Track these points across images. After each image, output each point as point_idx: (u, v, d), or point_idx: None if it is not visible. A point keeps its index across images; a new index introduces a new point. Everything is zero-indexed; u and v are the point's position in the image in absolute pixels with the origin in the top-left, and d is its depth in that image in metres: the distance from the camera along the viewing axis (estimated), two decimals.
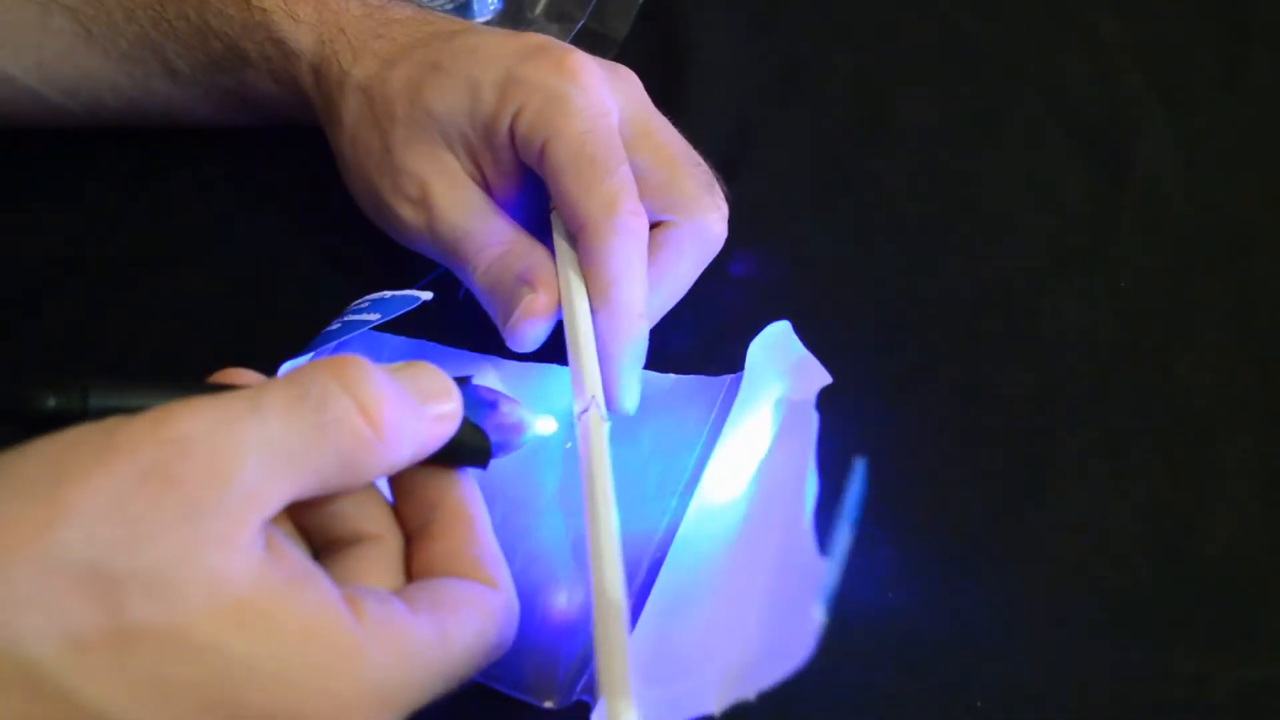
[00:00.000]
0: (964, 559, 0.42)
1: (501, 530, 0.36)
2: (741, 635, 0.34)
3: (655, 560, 0.40)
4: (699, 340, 0.47)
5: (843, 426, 0.38)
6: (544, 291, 0.42)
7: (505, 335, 0.43)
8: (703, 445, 0.43)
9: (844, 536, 0.31)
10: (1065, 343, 0.48)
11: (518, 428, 0.38)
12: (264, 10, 0.48)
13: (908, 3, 0.61)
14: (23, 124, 0.53)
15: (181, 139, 0.54)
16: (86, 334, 0.48)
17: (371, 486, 0.35)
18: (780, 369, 0.42)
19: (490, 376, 0.45)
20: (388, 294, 0.42)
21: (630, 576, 0.39)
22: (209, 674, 0.28)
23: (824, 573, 0.30)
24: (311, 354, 0.39)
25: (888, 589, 0.41)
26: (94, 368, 0.47)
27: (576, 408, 0.41)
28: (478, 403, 0.37)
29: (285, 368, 0.38)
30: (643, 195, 0.43)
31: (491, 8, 0.59)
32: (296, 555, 0.31)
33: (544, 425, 0.40)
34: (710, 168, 0.48)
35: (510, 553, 0.37)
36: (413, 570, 0.35)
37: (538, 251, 0.44)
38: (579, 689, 0.38)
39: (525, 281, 0.43)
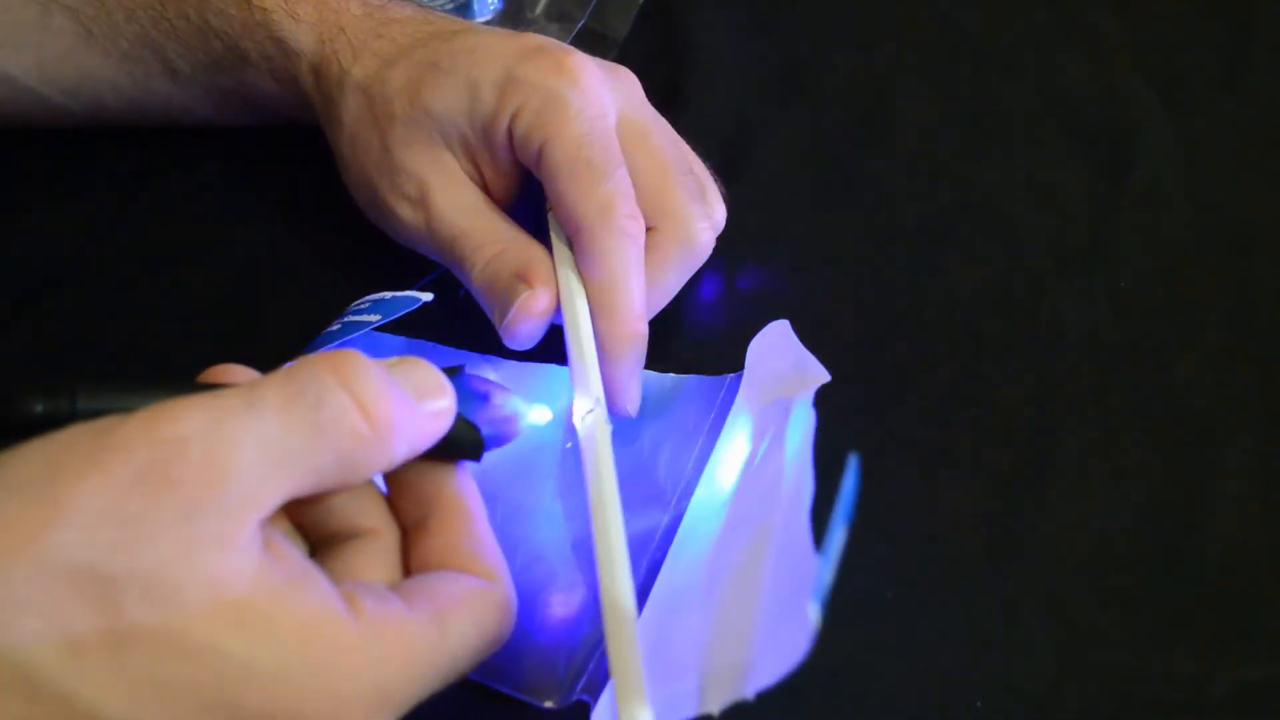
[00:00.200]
0: (964, 559, 0.42)
1: (501, 531, 0.36)
2: (739, 635, 0.34)
3: (655, 560, 0.40)
4: (698, 340, 0.47)
5: (841, 425, 0.38)
6: (541, 289, 0.42)
7: (502, 333, 0.43)
8: (702, 445, 0.43)
9: (838, 533, 0.31)
10: (1065, 343, 0.48)
11: (511, 419, 0.38)
12: (264, 10, 0.48)
13: (908, 3, 0.61)
14: (23, 124, 0.53)
15: (181, 139, 0.54)
16: (86, 334, 0.48)
17: (368, 482, 0.35)
18: (779, 368, 0.42)
19: (489, 376, 0.45)
20: (388, 295, 0.42)
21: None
22: (207, 674, 0.28)
23: (819, 570, 0.30)
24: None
25: (887, 588, 0.41)
26: (92, 369, 0.47)
27: (579, 408, 0.41)
28: (471, 394, 0.37)
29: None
30: None
31: (492, 7, 0.59)
32: (294, 554, 0.31)
33: (537, 415, 0.40)
34: (710, 168, 0.48)
35: (510, 553, 0.37)
36: (410, 565, 0.35)
37: (535, 249, 0.44)
38: (579, 689, 0.38)
39: (522, 279, 0.43)
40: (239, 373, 0.34)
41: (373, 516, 0.35)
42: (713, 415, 0.44)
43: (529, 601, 0.39)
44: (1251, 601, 0.41)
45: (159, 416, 0.29)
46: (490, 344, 0.46)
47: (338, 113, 0.47)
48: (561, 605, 0.40)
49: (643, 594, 0.39)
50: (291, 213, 0.52)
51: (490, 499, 0.37)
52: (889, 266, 0.50)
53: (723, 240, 0.48)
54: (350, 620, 0.30)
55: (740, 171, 0.52)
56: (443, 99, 0.44)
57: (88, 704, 0.28)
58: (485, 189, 0.46)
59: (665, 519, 0.41)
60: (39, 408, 0.30)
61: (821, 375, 0.40)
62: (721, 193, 0.48)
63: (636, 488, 0.42)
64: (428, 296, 0.41)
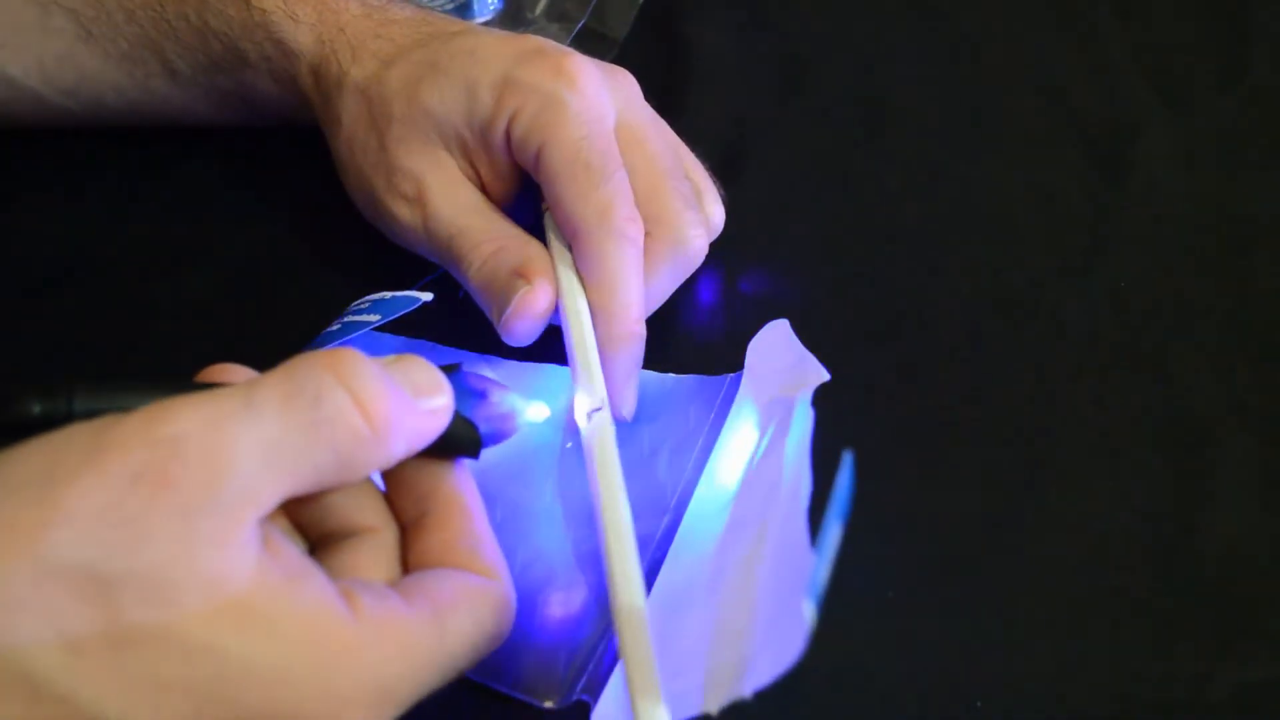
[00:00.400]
0: (964, 558, 0.42)
1: (501, 531, 0.36)
2: (737, 634, 0.34)
3: (655, 560, 0.40)
4: (698, 340, 0.47)
5: (840, 425, 0.38)
6: (540, 286, 0.42)
7: (500, 330, 0.43)
8: (702, 444, 0.43)
9: (833, 531, 0.31)
10: (1065, 343, 0.48)
11: (509, 416, 0.38)
12: (263, 11, 0.48)
13: (908, 3, 0.61)
14: (23, 124, 0.53)
15: (181, 139, 0.54)
16: (86, 334, 0.48)
17: (366, 479, 0.35)
18: (779, 367, 0.42)
19: (489, 376, 0.45)
20: (388, 295, 0.42)
21: None
22: (207, 674, 0.28)
23: (814, 569, 0.30)
24: None
25: (887, 588, 0.41)
26: (92, 369, 0.47)
27: (582, 406, 0.41)
28: (468, 392, 0.37)
29: None
30: None
31: (491, 8, 0.59)
32: (293, 552, 0.31)
33: (535, 412, 0.40)
34: (709, 169, 0.48)
35: (510, 553, 0.37)
36: (409, 562, 0.35)
37: (533, 247, 0.44)
38: (579, 689, 0.38)
39: (520, 276, 0.43)
40: (237, 372, 0.34)
41: (371, 514, 0.35)
42: (713, 415, 0.44)
43: (529, 601, 0.39)
44: (1251, 601, 0.41)
45: (156, 416, 0.29)
46: (489, 344, 0.46)
47: (336, 113, 0.47)
48: (561, 605, 0.40)
49: None
50: (291, 213, 0.52)
51: (490, 499, 0.37)
52: (889, 266, 0.50)
53: (722, 240, 0.48)
54: (349, 618, 0.30)
55: (740, 171, 0.52)
56: (441, 99, 0.44)
57: (87, 704, 0.28)
58: (483, 189, 0.46)
59: (665, 519, 0.41)
60: (36, 408, 0.30)
61: (821, 375, 0.40)
62: (721, 195, 0.48)
63: (636, 488, 0.42)
64: (428, 296, 0.41)
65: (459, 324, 0.46)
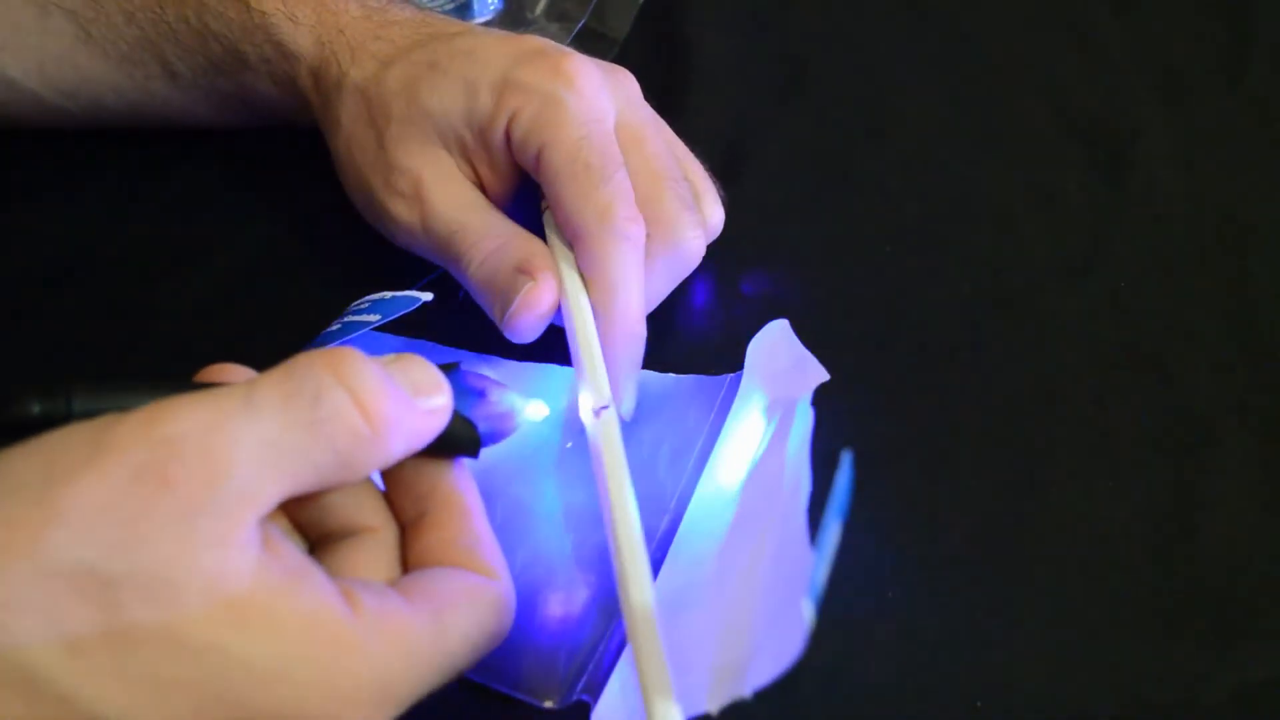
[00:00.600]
0: (964, 558, 0.42)
1: (501, 531, 0.36)
2: (737, 633, 0.35)
3: (655, 559, 0.40)
4: (698, 340, 0.47)
5: (840, 425, 0.38)
6: (543, 281, 0.42)
7: (504, 327, 0.43)
8: (703, 445, 0.43)
9: (832, 531, 0.31)
10: (1065, 343, 0.48)
11: (508, 415, 0.38)
12: (263, 13, 0.48)
13: (908, 3, 0.61)
14: (23, 125, 0.53)
15: (181, 140, 0.54)
16: (86, 334, 0.48)
17: (365, 479, 0.35)
18: (779, 367, 0.42)
19: (488, 376, 0.45)
20: (388, 295, 0.42)
21: None
22: (207, 674, 0.28)
23: (813, 568, 0.30)
24: None
25: (887, 588, 0.41)
26: (92, 369, 0.47)
27: (587, 404, 0.41)
28: (467, 391, 0.37)
29: None
30: None
31: (491, 8, 0.59)
32: (292, 551, 0.31)
33: (534, 411, 0.40)
34: (709, 169, 0.48)
35: (510, 553, 0.37)
36: (409, 561, 0.35)
37: (535, 243, 0.44)
38: (579, 689, 0.38)
39: (524, 272, 0.43)
40: (236, 372, 0.34)
41: (371, 514, 0.35)
42: (713, 415, 0.44)
43: (529, 601, 0.39)
44: (1251, 601, 0.41)
45: (156, 415, 0.29)
46: (489, 344, 0.46)
47: (335, 114, 0.47)
48: (561, 605, 0.40)
49: None
50: (291, 213, 0.52)
51: (490, 499, 0.37)
52: (889, 266, 0.50)
53: (722, 240, 0.48)
54: (349, 617, 0.30)
55: (740, 172, 0.52)
56: (440, 99, 0.44)
57: (88, 704, 0.28)
58: (481, 189, 0.46)
59: (665, 519, 0.41)
60: (36, 409, 0.30)
61: (821, 375, 0.40)
62: (720, 195, 0.48)
63: (636, 488, 0.42)
64: (428, 296, 0.41)
65: (459, 324, 0.46)
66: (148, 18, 0.50)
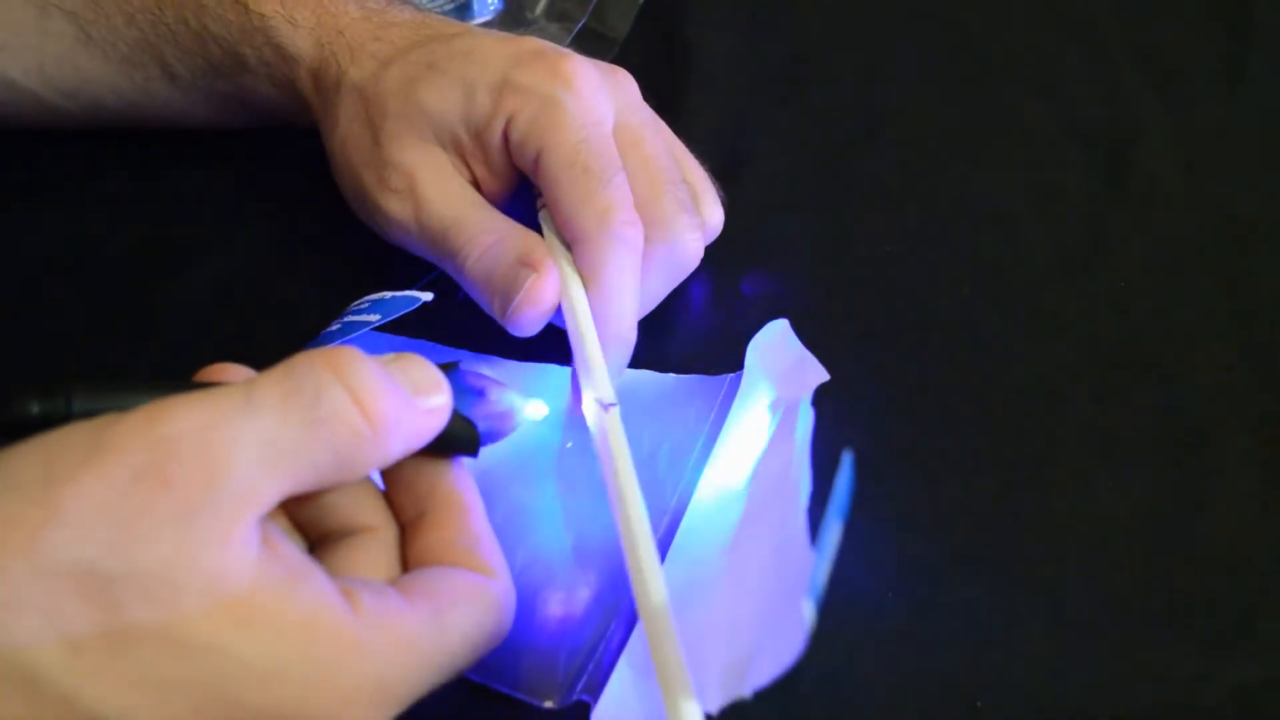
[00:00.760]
0: (964, 559, 0.42)
1: (501, 531, 0.36)
2: (737, 633, 0.35)
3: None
4: (698, 340, 0.47)
5: (840, 425, 0.38)
6: (546, 274, 0.42)
7: (507, 320, 0.43)
8: (703, 445, 0.43)
9: (833, 531, 0.31)
10: (1065, 343, 0.48)
11: (507, 414, 0.38)
12: (262, 15, 0.48)
13: (908, 3, 0.61)
14: (23, 125, 0.53)
15: (181, 139, 0.54)
16: (86, 334, 0.48)
17: (365, 478, 0.35)
18: (778, 367, 0.42)
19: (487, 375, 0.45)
20: (388, 294, 0.42)
21: None
22: (207, 673, 0.28)
23: (814, 568, 0.30)
24: None
25: (887, 588, 0.41)
26: (92, 369, 0.47)
27: (590, 401, 0.41)
28: (467, 390, 0.37)
29: None
30: None
31: (491, 8, 0.59)
32: (292, 551, 0.31)
33: (533, 410, 0.40)
34: (709, 169, 0.48)
35: (510, 553, 0.37)
36: (408, 560, 0.35)
37: (533, 238, 0.43)
38: (579, 689, 0.37)
39: (526, 265, 0.42)
40: (235, 371, 0.34)
41: (370, 513, 0.35)
42: (713, 415, 0.44)
43: (529, 601, 0.39)
44: (1251, 601, 0.41)
45: (155, 415, 0.29)
46: (488, 344, 0.46)
47: (334, 113, 0.47)
48: (561, 605, 0.40)
49: None
50: (291, 213, 0.52)
51: (490, 499, 0.37)
52: (889, 266, 0.50)
53: (722, 240, 0.48)
54: (349, 616, 0.30)
55: (740, 172, 0.52)
56: (437, 97, 0.44)
57: (88, 703, 0.28)
58: (476, 188, 0.46)
59: (665, 519, 0.41)
60: (35, 409, 0.30)
61: (821, 374, 0.40)
62: (720, 196, 0.48)
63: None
64: (428, 296, 0.41)
65: (459, 324, 0.46)
66: (147, 20, 0.50)
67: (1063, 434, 0.45)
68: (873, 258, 0.50)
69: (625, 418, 0.42)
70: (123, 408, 0.29)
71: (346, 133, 0.46)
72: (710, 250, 0.47)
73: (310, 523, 0.34)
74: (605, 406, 0.40)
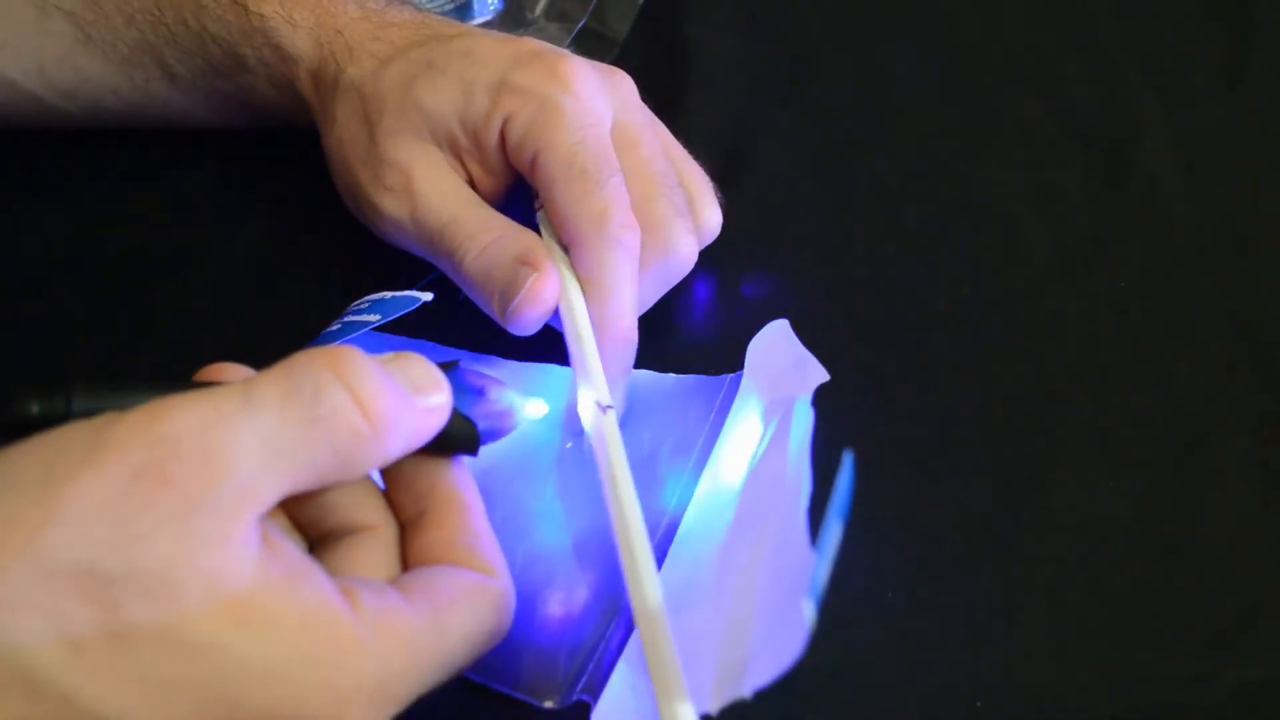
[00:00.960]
0: (964, 559, 0.42)
1: (501, 531, 0.36)
2: (737, 634, 0.35)
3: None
4: (698, 340, 0.47)
5: (840, 425, 0.38)
6: (547, 273, 0.42)
7: (508, 317, 0.42)
8: (703, 444, 0.43)
9: (833, 531, 0.31)
10: (1065, 343, 0.48)
11: (507, 413, 0.38)
12: (262, 16, 0.48)
13: (908, 3, 0.61)
14: (23, 125, 0.53)
15: (181, 139, 0.54)
16: (86, 334, 0.48)
17: (365, 477, 0.35)
18: (779, 367, 0.42)
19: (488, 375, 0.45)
20: (388, 295, 0.42)
21: None
22: (207, 672, 0.28)
23: (814, 568, 0.30)
24: None
25: (887, 588, 0.41)
26: (92, 369, 0.47)
27: (586, 402, 0.41)
28: (466, 389, 0.37)
29: None
30: None
31: (491, 8, 0.59)
32: (292, 550, 0.31)
33: (533, 409, 0.40)
34: (709, 170, 0.48)
35: (510, 553, 0.37)
36: (408, 559, 0.35)
37: (531, 236, 0.43)
38: (579, 689, 0.38)
39: (526, 264, 0.42)
40: (234, 371, 0.34)
41: (370, 512, 0.35)
42: (713, 415, 0.44)
43: (529, 601, 0.39)
44: (1251, 601, 0.41)
45: (155, 414, 0.29)
46: (488, 344, 0.46)
47: (332, 112, 0.47)
48: (561, 605, 0.40)
49: None
50: (291, 213, 0.52)
51: (490, 499, 0.37)
52: (889, 266, 0.50)
53: (723, 241, 0.48)
54: (349, 615, 0.30)
55: (740, 172, 0.52)
56: (435, 96, 0.44)
57: (88, 703, 0.28)
58: (472, 187, 0.46)
59: (665, 519, 0.41)
60: (35, 408, 0.30)
61: (821, 375, 0.40)
62: (719, 198, 0.47)
63: (636, 487, 0.42)
64: (428, 296, 0.41)
65: (459, 324, 0.46)
66: (147, 20, 0.50)
67: (1063, 434, 0.45)
68: (873, 258, 0.50)
69: (625, 418, 0.42)
70: (122, 407, 0.29)
71: (344, 130, 0.46)
72: (710, 250, 0.47)
73: (310, 522, 0.34)
74: (602, 408, 0.40)
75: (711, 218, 0.47)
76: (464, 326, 0.46)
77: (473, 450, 0.36)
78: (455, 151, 0.45)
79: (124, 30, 0.50)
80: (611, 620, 0.39)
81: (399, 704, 0.31)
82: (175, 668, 0.28)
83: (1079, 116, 0.55)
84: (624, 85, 0.46)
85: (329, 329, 0.42)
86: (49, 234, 0.52)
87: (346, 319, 0.42)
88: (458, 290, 0.46)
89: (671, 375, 0.46)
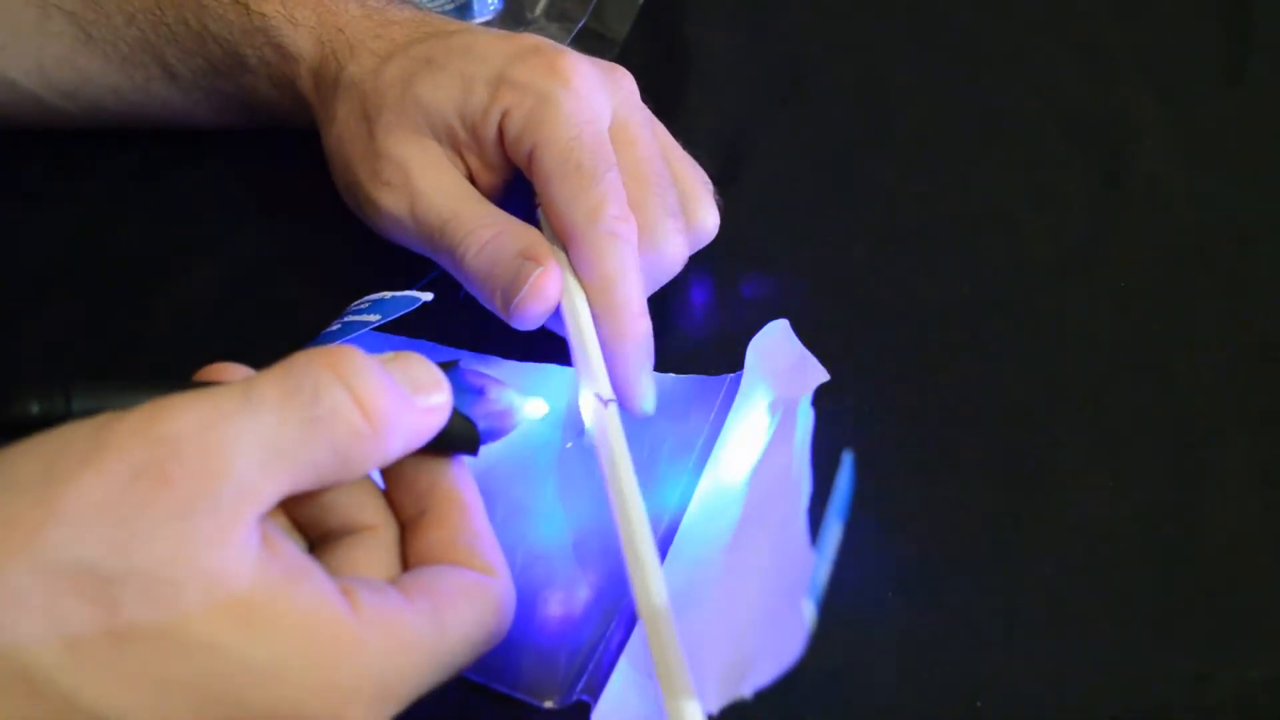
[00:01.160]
0: (964, 559, 0.42)
1: (502, 531, 0.36)
2: (737, 634, 0.35)
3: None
4: (698, 340, 0.47)
5: (840, 425, 0.38)
6: (550, 268, 0.42)
7: (511, 313, 0.42)
8: (703, 445, 0.43)
9: (833, 531, 0.31)
10: (1066, 343, 0.48)
11: (507, 413, 0.38)
12: (263, 15, 0.48)
13: (908, 3, 0.61)
14: (23, 125, 0.53)
15: (181, 139, 0.54)
16: (86, 334, 0.48)
17: (365, 477, 0.35)
18: (779, 367, 0.42)
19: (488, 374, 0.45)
20: (388, 294, 0.42)
21: None
22: (207, 672, 0.28)
23: (814, 568, 0.30)
24: None
25: (888, 588, 0.41)
26: (92, 369, 0.47)
27: (587, 400, 0.40)
28: (466, 389, 0.36)
29: None
30: None
31: (491, 7, 0.59)
32: (292, 550, 0.31)
33: (533, 408, 0.40)
34: (708, 170, 0.48)
35: (510, 553, 0.37)
36: (408, 559, 0.35)
37: (533, 233, 0.43)
38: (579, 689, 0.38)
39: (529, 258, 0.42)
40: (234, 371, 0.34)
41: (370, 512, 0.35)
42: (713, 415, 0.44)
43: (529, 601, 0.39)
44: (1251, 601, 0.41)
45: (155, 414, 0.29)
46: (488, 344, 0.46)
47: (333, 110, 0.47)
48: (561, 605, 0.40)
49: None
50: (291, 213, 0.52)
51: (490, 499, 0.37)
52: (889, 267, 0.50)
53: (722, 240, 0.48)
54: (349, 615, 0.30)
55: (740, 172, 0.52)
56: (434, 91, 0.44)
57: (88, 702, 0.28)
58: (471, 182, 0.46)
59: (665, 520, 0.41)
60: (35, 408, 0.30)
61: (821, 375, 0.40)
62: (717, 199, 0.47)
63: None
64: (428, 296, 0.41)
65: (459, 324, 0.46)
66: (147, 20, 0.50)
67: (1063, 434, 0.45)
68: (873, 258, 0.50)
69: (625, 418, 0.42)
70: (122, 407, 0.29)
71: (343, 128, 0.46)
72: (710, 250, 0.47)
73: (310, 521, 0.34)
74: (604, 402, 0.40)
75: (707, 219, 0.46)
76: (464, 326, 0.46)
77: (473, 450, 0.36)
78: (455, 146, 0.45)
79: (125, 30, 0.50)
80: (612, 620, 0.39)
81: (399, 704, 0.31)
82: (175, 668, 0.28)
83: (1079, 116, 0.55)
84: (624, 83, 0.46)
85: (329, 329, 0.42)
86: (49, 234, 0.52)
87: (346, 319, 0.42)
88: (458, 289, 0.46)
89: (671, 375, 0.46)
